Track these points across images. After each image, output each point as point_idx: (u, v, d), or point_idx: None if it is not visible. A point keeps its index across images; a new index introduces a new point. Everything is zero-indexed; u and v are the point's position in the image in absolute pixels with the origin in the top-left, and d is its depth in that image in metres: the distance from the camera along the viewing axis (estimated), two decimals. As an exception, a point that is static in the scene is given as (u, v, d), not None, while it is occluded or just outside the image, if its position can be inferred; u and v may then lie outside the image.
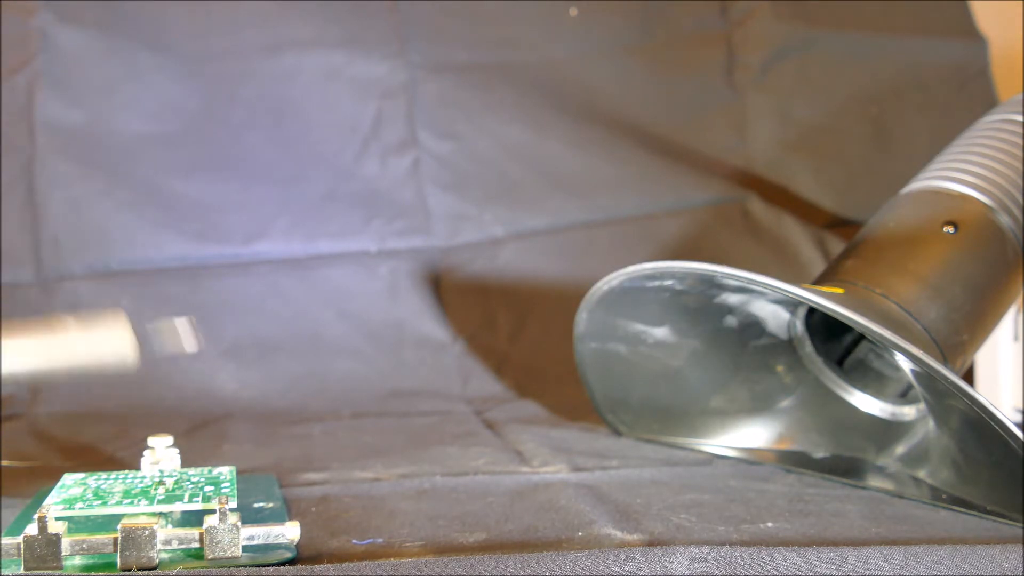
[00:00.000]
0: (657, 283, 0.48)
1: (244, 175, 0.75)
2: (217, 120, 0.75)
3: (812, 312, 0.50)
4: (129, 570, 0.32)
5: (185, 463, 0.42)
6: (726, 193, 0.81)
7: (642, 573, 0.31)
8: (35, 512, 0.33)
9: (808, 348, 0.51)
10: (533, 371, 0.72)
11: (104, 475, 0.39)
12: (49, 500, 0.36)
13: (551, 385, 0.69)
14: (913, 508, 0.41)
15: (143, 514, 0.34)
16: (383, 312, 0.74)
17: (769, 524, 0.38)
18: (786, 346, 0.51)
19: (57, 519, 0.34)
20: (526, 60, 0.80)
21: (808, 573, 0.31)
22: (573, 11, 0.81)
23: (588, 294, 0.50)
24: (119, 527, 0.32)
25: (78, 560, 0.32)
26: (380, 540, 0.36)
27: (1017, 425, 0.37)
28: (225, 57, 0.75)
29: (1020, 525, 0.38)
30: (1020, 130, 0.52)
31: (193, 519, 0.35)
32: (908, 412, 0.49)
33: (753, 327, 0.51)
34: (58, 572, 0.31)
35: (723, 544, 0.32)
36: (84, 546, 0.32)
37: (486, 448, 0.52)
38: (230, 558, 0.32)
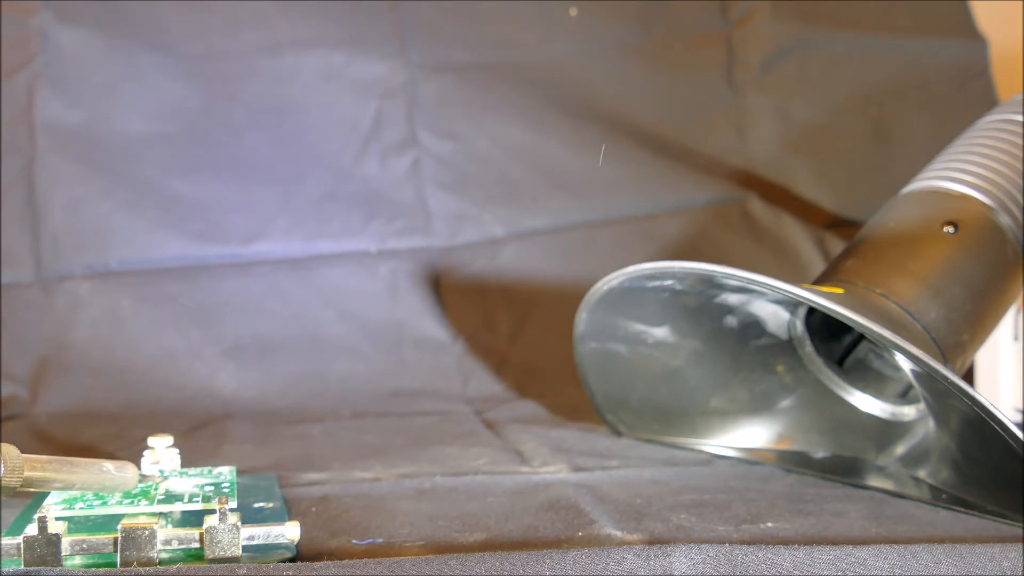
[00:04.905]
0: (657, 283, 0.48)
1: (244, 175, 0.75)
2: (217, 120, 0.75)
3: (812, 312, 0.50)
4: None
5: (185, 463, 0.42)
6: (726, 193, 0.81)
7: (642, 572, 0.31)
8: (35, 512, 0.33)
9: (808, 348, 0.51)
10: (533, 371, 0.72)
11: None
12: (49, 500, 0.36)
13: (551, 385, 0.69)
14: (913, 508, 0.41)
15: (143, 514, 0.34)
16: (383, 312, 0.74)
17: (769, 524, 0.38)
18: (786, 346, 0.51)
19: (57, 519, 0.34)
20: (526, 60, 0.80)
21: (808, 572, 0.31)
22: (573, 11, 0.81)
23: (588, 294, 0.50)
24: (119, 527, 0.32)
25: (78, 560, 0.32)
26: (380, 540, 0.36)
27: (1017, 425, 0.37)
28: (225, 57, 0.75)
29: (1020, 525, 0.38)
30: (1020, 130, 0.52)
31: (193, 519, 0.35)
32: (908, 412, 0.49)
33: (753, 327, 0.51)
34: (58, 572, 0.31)
35: (723, 543, 0.32)
36: (84, 546, 0.32)
37: (486, 448, 0.52)
38: (230, 558, 0.32)
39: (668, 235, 0.79)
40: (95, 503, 0.36)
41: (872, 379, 0.51)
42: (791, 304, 0.49)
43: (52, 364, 0.68)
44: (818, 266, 0.78)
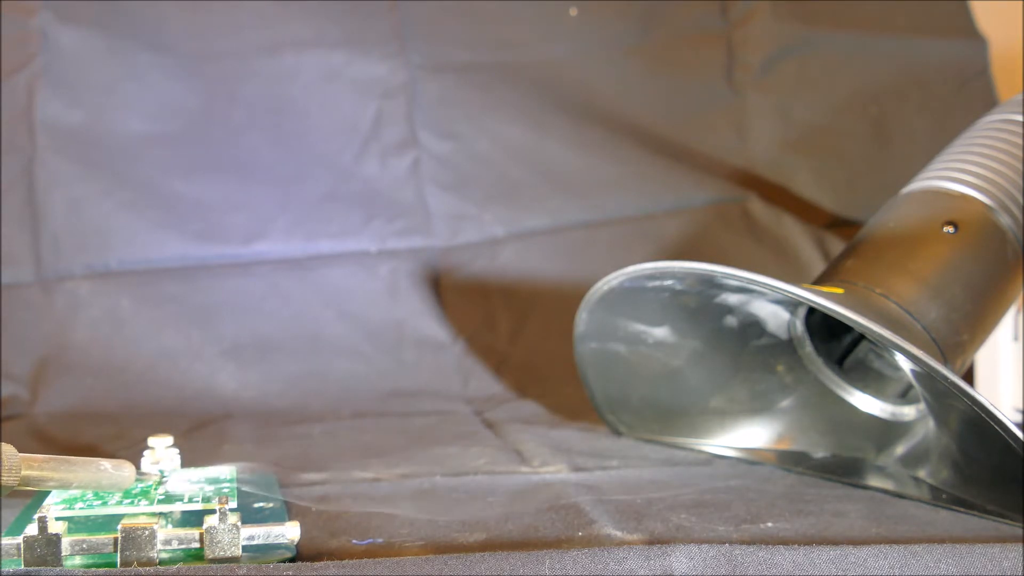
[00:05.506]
0: (657, 283, 0.48)
1: (244, 175, 0.75)
2: (217, 120, 0.75)
3: (812, 312, 0.50)
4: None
5: (185, 463, 0.42)
6: (726, 193, 0.81)
7: (642, 572, 0.31)
8: (35, 512, 0.33)
9: (808, 348, 0.51)
10: (533, 371, 0.72)
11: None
12: (49, 500, 0.36)
13: (551, 385, 0.69)
14: (913, 508, 0.41)
15: (143, 514, 0.34)
16: (383, 312, 0.74)
17: (769, 524, 0.38)
18: (786, 346, 0.51)
19: (57, 519, 0.34)
20: (526, 60, 0.80)
21: (808, 572, 0.31)
22: (573, 11, 0.81)
23: (588, 294, 0.50)
24: (119, 527, 0.32)
25: (78, 560, 0.32)
26: (380, 540, 0.36)
27: (1017, 425, 0.37)
28: (225, 57, 0.75)
29: (1020, 525, 0.38)
30: (1020, 130, 0.52)
31: (193, 519, 0.35)
32: (908, 412, 0.49)
33: (753, 327, 0.51)
34: (58, 572, 0.31)
35: (723, 543, 0.32)
36: (84, 546, 0.32)
37: (486, 448, 0.52)
38: (230, 558, 0.32)
39: (668, 235, 0.79)
40: (95, 503, 0.36)
41: (872, 379, 0.51)
42: (791, 304, 0.49)
43: (52, 364, 0.68)
44: (818, 266, 0.78)
